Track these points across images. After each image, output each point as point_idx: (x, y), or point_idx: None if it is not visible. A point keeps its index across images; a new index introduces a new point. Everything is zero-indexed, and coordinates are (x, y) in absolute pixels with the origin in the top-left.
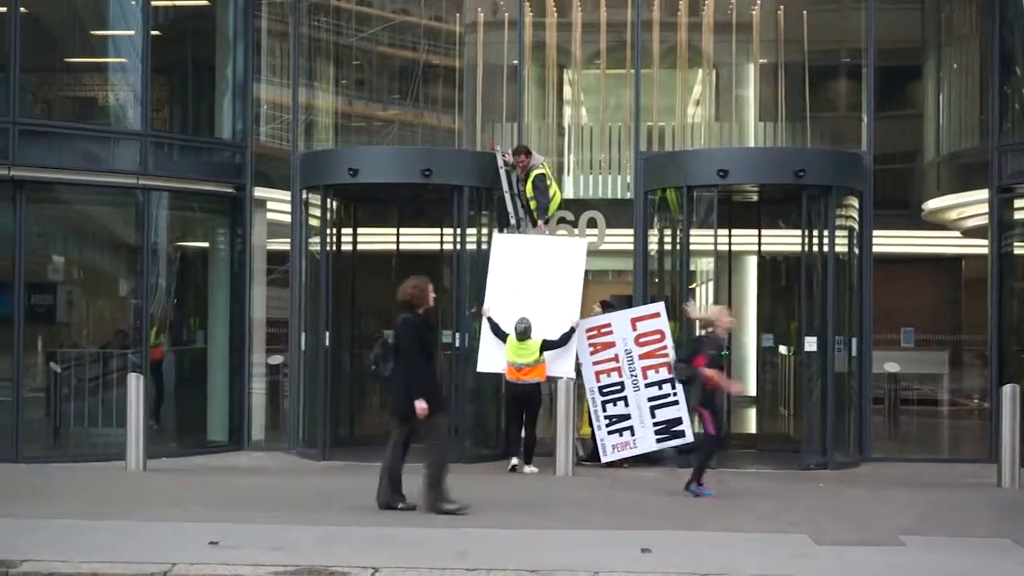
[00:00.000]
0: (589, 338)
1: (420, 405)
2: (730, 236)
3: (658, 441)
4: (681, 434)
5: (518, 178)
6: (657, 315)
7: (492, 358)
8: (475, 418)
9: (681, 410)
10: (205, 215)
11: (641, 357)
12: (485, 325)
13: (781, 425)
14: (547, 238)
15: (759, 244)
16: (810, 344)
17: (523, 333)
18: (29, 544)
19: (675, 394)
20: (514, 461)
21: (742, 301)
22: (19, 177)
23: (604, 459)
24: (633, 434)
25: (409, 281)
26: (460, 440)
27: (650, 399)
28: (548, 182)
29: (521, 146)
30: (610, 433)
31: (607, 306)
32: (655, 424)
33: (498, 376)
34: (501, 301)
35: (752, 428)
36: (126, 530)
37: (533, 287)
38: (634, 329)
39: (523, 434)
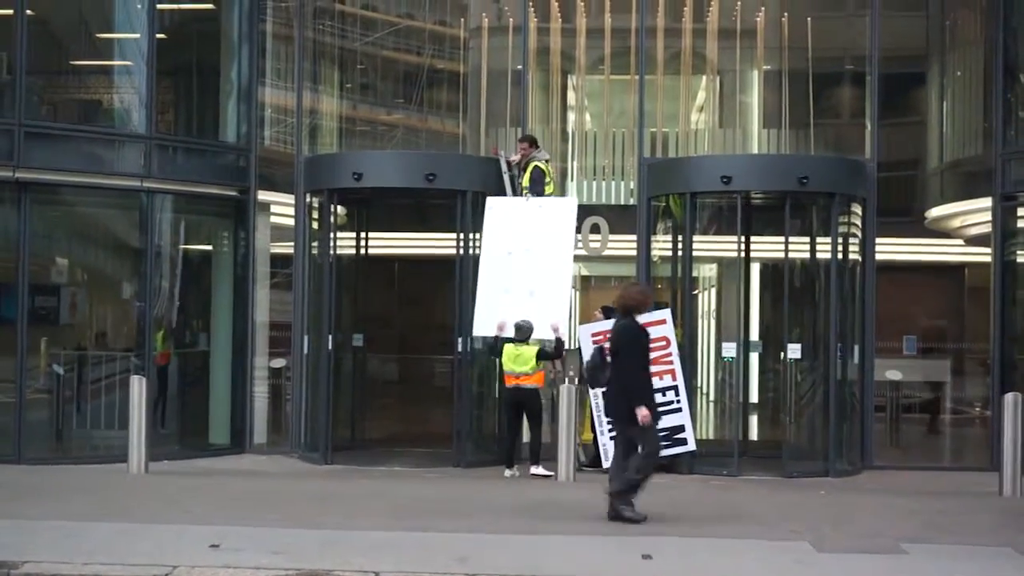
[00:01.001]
0: (595, 343)
1: (643, 412)
2: (745, 243)
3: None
4: (683, 442)
5: (519, 169)
6: (663, 322)
7: (487, 321)
8: (477, 423)
9: (684, 418)
10: (209, 218)
11: None
12: (482, 282)
13: (783, 432)
14: (537, 199)
15: (746, 250)
16: (793, 351)
17: (519, 331)
18: (31, 545)
19: (678, 401)
20: (507, 472)
21: (744, 307)
22: (24, 179)
23: (606, 464)
24: None
25: (634, 287)
26: (462, 444)
27: None
28: (547, 179)
29: (529, 135)
30: (612, 439)
31: (609, 311)
32: (658, 431)
33: (500, 380)
34: (495, 265)
35: (753, 435)
36: (128, 532)
37: (526, 249)
38: None
39: (527, 438)
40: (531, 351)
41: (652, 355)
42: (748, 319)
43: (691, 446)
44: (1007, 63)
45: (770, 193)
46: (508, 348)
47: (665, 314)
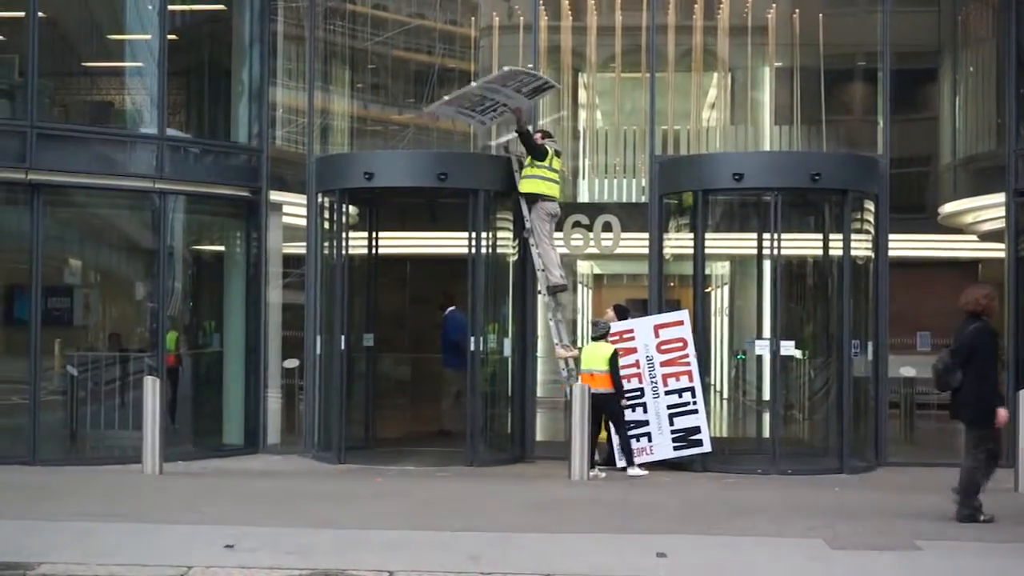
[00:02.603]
0: (611, 343)
1: (1003, 413)
2: (758, 240)
3: (675, 449)
4: (699, 443)
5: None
6: (681, 323)
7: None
8: (490, 422)
9: (700, 419)
10: (221, 219)
11: (662, 364)
12: None
13: (796, 429)
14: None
15: (758, 248)
16: (787, 348)
17: (595, 327)
18: (46, 546)
19: (695, 403)
20: (594, 472)
21: (758, 305)
22: (36, 181)
23: (620, 463)
24: (650, 440)
25: (979, 289)
26: (475, 444)
27: (669, 407)
28: (549, 156)
29: (543, 129)
30: (631, 437)
31: (620, 310)
32: (673, 432)
33: (515, 379)
34: None
35: (766, 432)
36: (142, 532)
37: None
38: (656, 336)
39: (616, 440)
40: (606, 349)
41: (669, 356)
42: (761, 317)
43: (706, 447)
44: (1020, 58)
45: (782, 190)
46: (585, 348)
47: (683, 315)
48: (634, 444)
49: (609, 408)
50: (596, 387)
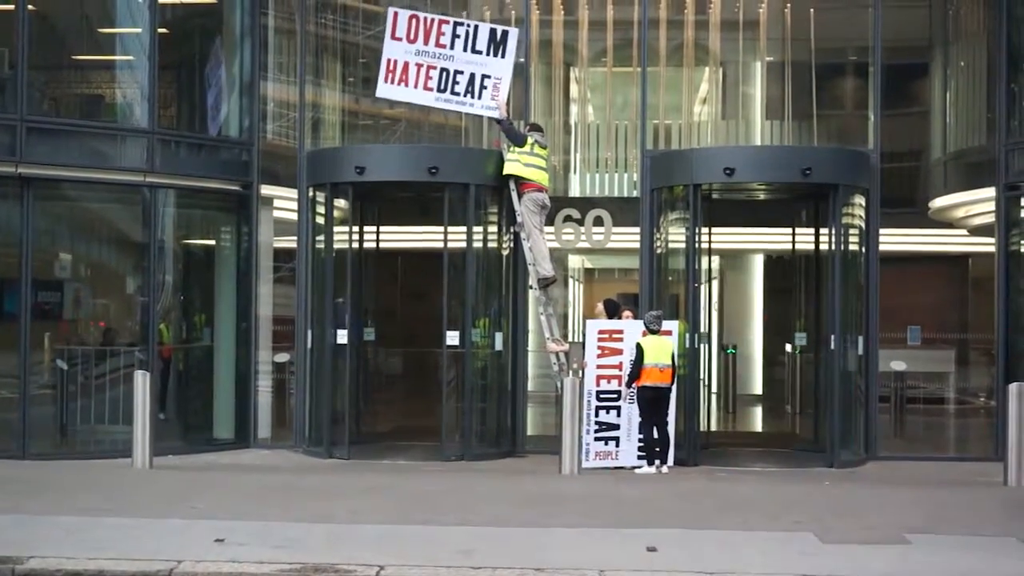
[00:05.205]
0: (599, 340)
1: None
2: (749, 234)
3: (639, 458)
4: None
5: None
6: (669, 333)
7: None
8: (481, 416)
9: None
10: (212, 213)
11: None
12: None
13: (786, 423)
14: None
15: (749, 242)
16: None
17: (655, 321)
18: (36, 540)
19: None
20: (651, 470)
21: (748, 300)
22: (26, 174)
23: (585, 464)
24: (618, 445)
25: None
26: (467, 438)
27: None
28: (530, 142)
29: (534, 123)
30: (596, 440)
31: (611, 305)
32: (640, 441)
33: (507, 374)
34: None
35: (757, 426)
36: (132, 527)
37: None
38: None
39: (655, 435)
40: (671, 343)
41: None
42: (751, 311)
43: (670, 461)
44: (1010, 53)
45: (773, 185)
46: (647, 342)
47: (673, 326)
48: (602, 447)
49: (668, 401)
50: (662, 381)
